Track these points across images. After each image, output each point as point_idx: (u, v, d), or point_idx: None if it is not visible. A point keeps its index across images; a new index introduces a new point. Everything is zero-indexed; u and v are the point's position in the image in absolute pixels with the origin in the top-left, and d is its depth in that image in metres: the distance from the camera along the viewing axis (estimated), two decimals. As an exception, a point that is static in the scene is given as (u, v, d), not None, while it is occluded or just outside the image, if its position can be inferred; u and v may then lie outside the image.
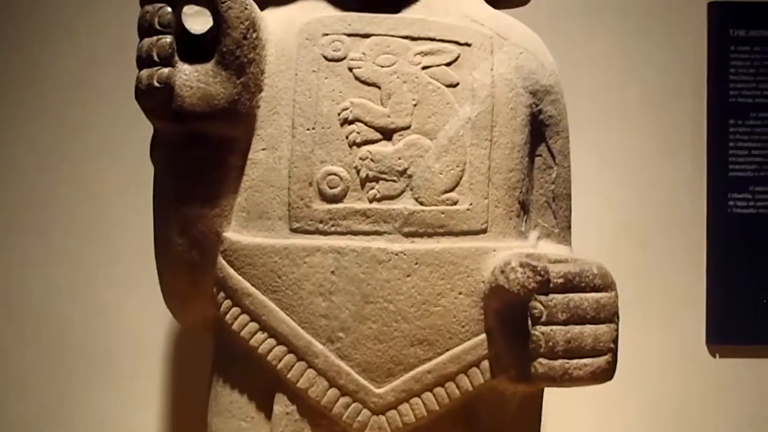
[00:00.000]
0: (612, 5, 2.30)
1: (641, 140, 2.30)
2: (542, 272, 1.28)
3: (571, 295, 1.29)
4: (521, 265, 1.29)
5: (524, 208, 1.47)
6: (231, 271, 1.38)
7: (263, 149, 1.39)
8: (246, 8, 1.33)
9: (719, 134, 2.35)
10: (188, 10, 1.35)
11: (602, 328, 1.30)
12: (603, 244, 2.21)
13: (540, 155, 1.53)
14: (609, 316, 1.31)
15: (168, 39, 1.30)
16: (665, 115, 2.32)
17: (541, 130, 1.51)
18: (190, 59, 1.33)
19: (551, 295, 1.28)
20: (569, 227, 1.60)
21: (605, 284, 1.32)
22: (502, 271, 1.31)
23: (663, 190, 2.31)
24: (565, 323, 1.28)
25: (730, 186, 2.35)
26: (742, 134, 2.38)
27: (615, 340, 1.32)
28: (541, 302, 1.28)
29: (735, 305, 2.30)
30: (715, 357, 2.32)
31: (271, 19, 1.43)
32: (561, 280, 1.29)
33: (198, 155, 1.37)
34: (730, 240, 2.33)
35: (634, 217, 2.29)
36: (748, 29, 2.39)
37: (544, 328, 1.27)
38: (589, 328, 1.29)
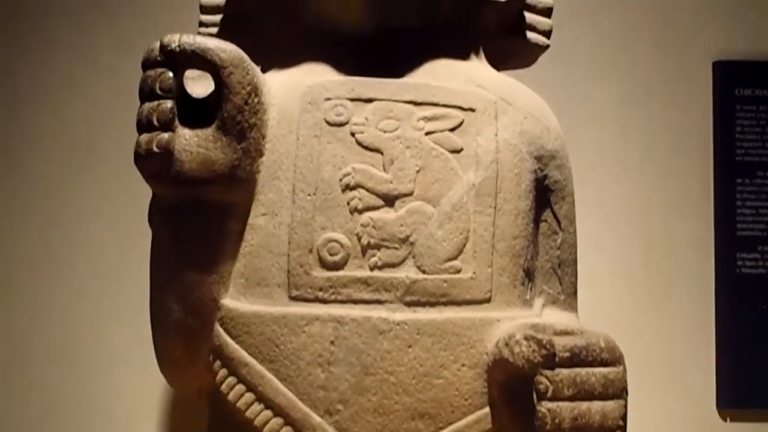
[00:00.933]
0: (617, 64, 2.31)
1: (647, 200, 2.28)
2: (548, 346, 1.24)
3: (577, 370, 1.25)
4: (526, 338, 1.25)
5: (529, 275, 1.44)
6: (228, 339, 1.35)
7: (263, 214, 1.36)
8: (248, 73, 1.32)
9: (726, 193, 2.33)
10: (190, 73, 1.35)
11: (610, 405, 1.26)
12: (609, 306, 2.18)
13: (545, 220, 1.50)
14: (617, 391, 1.27)
15: (169, 104, 1.29)
16: (671, 174, 2.30)
17: (546, 195, 1.49)
18: (192, 123, 1.31)
19: (557, 370, 1.24)
20: (575, 293, 1.56)
21: (613, 358, 1.28)
22: (507, 344, 1.27)
23: (670, 250, 2.28)
24: (571, 399, 1.24)
25: (739, 246, 2.32)
26: (750, 193, 2.35)
27: (624, 417, 1.27)
28: (546, 377, 1.24)
29: (746, 368, 2.25)
30: (726, 421, 2.26)
31: (273, 83, 1.42)
32: (567, 354, 1.25)
33: (197, 220, 1.34)
34: (740, 301, 2.29)
35: (641, 279, 2.25)
36: (753, 89, 2.39)
37: (550, 404, 1.23)
38: (596, 405, 1.25)
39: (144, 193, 1.41)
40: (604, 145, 2.28)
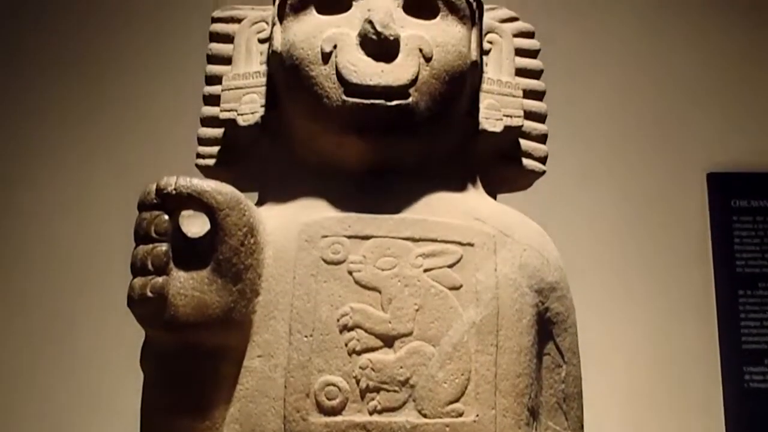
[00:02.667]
0: (612, 179, 2.33)
1: (649, 316, 2.26)
2: (556, 498, 1.18)
3: None
4: (533, 490, 1.20)
5: (533, 413, 1.39)
6: (220, 490, 1.29)
7: (259, 356, 1.32)
8: (244, 215, 1.31)
9: (729, 306, 2.31)
10: (186, 212, 1.34)
11: None
12: (615, 428, 2.11)
13: (548, 354, 1.46)
14: None
15: (163, 248, 1.27)
16: (672, 288, 2.29)
17: (548, 328, 1.45)
18: (187, 261, 1.29)
19: None
20: (582, 427, 1.51)
21: None
22: (513, 496, 1.21)
23: (675, 366, 2.24)
24: None
25: (745, 359, 2.28)
26: (753, 305, 2.34)
27: None
28: None
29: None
30: None
31: (269, 219, 1.41)
32: (577, 507, 1.19)
33: (190, 365, 1.30)
34: (750, 417, 2.23)
35: (647, 398, 2.20)
36: (749, 199, 2.41)
37: None
38: None
39: (136, 331, 1.38)
40: (604, 262, 2.27)
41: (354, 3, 1.47)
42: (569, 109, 2.24)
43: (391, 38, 1.40)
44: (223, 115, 1.57)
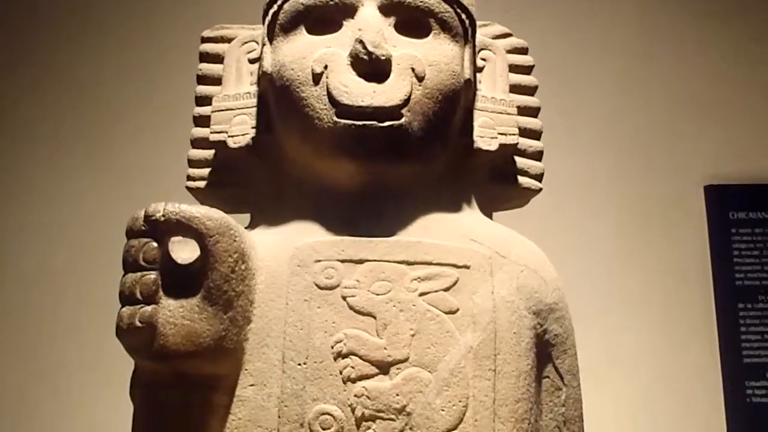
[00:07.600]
0: (609, 195, 2.31)
1: (649, 333, 2.23)
2: None
3: None
4: None
5: (534, 439, 1.36)
6: None
7: (251, 385, 1.29)
8: (235, 240, 1.28)
9: (729, 319, 2.28)
10: (176, 237, 1.31)
11: None
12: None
13: (547, 377, 1.43)
14: None
15: (152, 276, 1.24)
16: (672, 303, 2.26)
17: (547, 350, 1.43)
18: (177, 288, 1.26)
19: None
20: (583, 450, 1.48)
21: None
22: None
23: (676, 382, 2.21)
24: None
25: (747, 373, 2.25)
26: (753, 318, 2.31)
27: None
28: None
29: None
30: None
31: (262, 244, 1.38)
32: None
33: (181, 395, 1.27)
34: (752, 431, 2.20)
35: (648, 415, 2.17)
36: (747, 211, 2.38)
37: None
38: None
39: (126, 361, 1.35)
40: (602, 278, 2.25)
41: (344, 22, 1.44)
42: (564, 124, 2.22)
43: (383, 58, 1.37)
44: (213, 137, 1.54)
